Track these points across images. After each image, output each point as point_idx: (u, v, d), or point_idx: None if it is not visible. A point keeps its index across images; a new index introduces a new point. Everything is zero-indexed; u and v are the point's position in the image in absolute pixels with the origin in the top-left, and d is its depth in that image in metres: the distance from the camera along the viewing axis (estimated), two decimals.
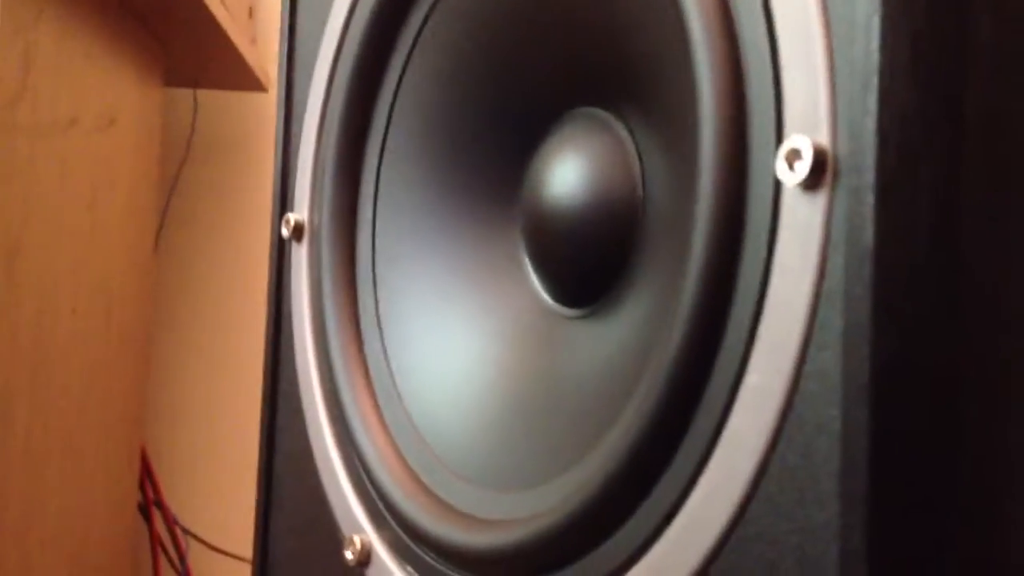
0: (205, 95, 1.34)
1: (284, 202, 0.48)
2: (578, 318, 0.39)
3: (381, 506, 0.40)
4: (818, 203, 0.27)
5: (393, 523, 0.40)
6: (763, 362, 0.28)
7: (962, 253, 0.26)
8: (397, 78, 0.43)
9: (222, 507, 1.26)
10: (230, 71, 1.23)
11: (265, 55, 1.32)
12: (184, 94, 1.33)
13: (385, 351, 0.42)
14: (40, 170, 0.82)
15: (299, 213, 0.47)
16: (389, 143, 0.44)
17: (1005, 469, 0.27)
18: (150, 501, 1.10)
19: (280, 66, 0.47)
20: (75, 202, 0.90)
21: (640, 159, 0.37)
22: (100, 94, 0.95)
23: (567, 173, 0.39)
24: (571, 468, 0.33)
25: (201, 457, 1.28)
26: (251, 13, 1.26)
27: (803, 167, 0.27)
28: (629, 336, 0.36)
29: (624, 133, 0.38)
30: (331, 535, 0.44)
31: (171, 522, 1.14)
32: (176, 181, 1.31)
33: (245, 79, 1.25)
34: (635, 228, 0.37)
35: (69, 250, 0.88)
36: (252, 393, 1.28)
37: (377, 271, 0.43)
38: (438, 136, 0.43)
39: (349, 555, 0.41)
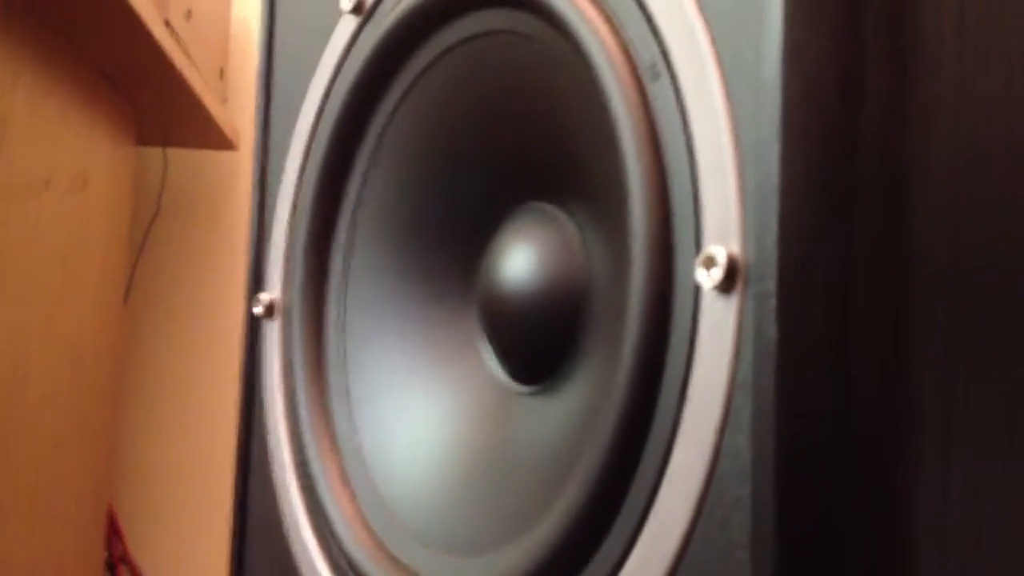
0: (175, 153, 1.36)
1: (257, 280, 0.51)
2: (530, 394, 0.43)
3: (348, 571, 0.43)
4: (731, 304, 0.31)
5: None
6: (687, 444, 0.32)
7: (851, 347, 0.31)
8: (364, 170, 0.47)
9: (189, 564, 1.26)
10: (200, 130, 1.26)
11: (235, 114, 1.35)
12: (154, 152, 1.35)
13: (352, 425, 0.45)
14: (13, 232, 0.84)
15: (271, 292, 0.50)
16: (356, 230, 0.47)
17: (894, 538, 0.31)
18: (116, 558, 1.11)
19: (255, 158, 0.51)
20: (48, 262, 0.92)
21: (585, 250, 0.41)
22: (74, 155, 0.97)
23: (519, 262, 0.42)
24: (519, 537, 0.36)
25: (169, 514, 1.28)
26: (222, 74, 1.29)
27: (717, 273, 0.31)
28: (576, 411, 0.39)
29: (571, 226, 0.42)
30: None
31: None
32: (146, 238, 1.33)
33: (215, 138, 1.28)
34: (581, 313, 0.41)
35: (41, 310, 0.90)
36: (220, 451, 1.29)
37: (345, 350, 0.47)
38: (401, 225, 0.47)
39: None
